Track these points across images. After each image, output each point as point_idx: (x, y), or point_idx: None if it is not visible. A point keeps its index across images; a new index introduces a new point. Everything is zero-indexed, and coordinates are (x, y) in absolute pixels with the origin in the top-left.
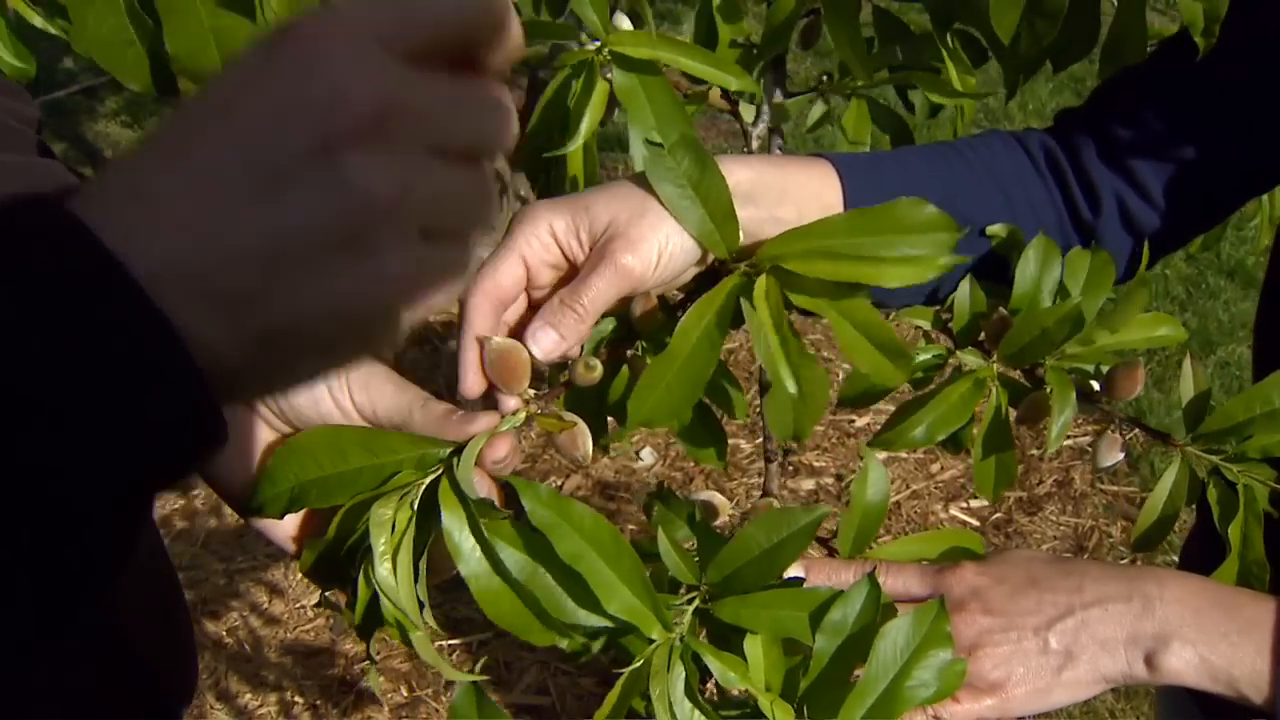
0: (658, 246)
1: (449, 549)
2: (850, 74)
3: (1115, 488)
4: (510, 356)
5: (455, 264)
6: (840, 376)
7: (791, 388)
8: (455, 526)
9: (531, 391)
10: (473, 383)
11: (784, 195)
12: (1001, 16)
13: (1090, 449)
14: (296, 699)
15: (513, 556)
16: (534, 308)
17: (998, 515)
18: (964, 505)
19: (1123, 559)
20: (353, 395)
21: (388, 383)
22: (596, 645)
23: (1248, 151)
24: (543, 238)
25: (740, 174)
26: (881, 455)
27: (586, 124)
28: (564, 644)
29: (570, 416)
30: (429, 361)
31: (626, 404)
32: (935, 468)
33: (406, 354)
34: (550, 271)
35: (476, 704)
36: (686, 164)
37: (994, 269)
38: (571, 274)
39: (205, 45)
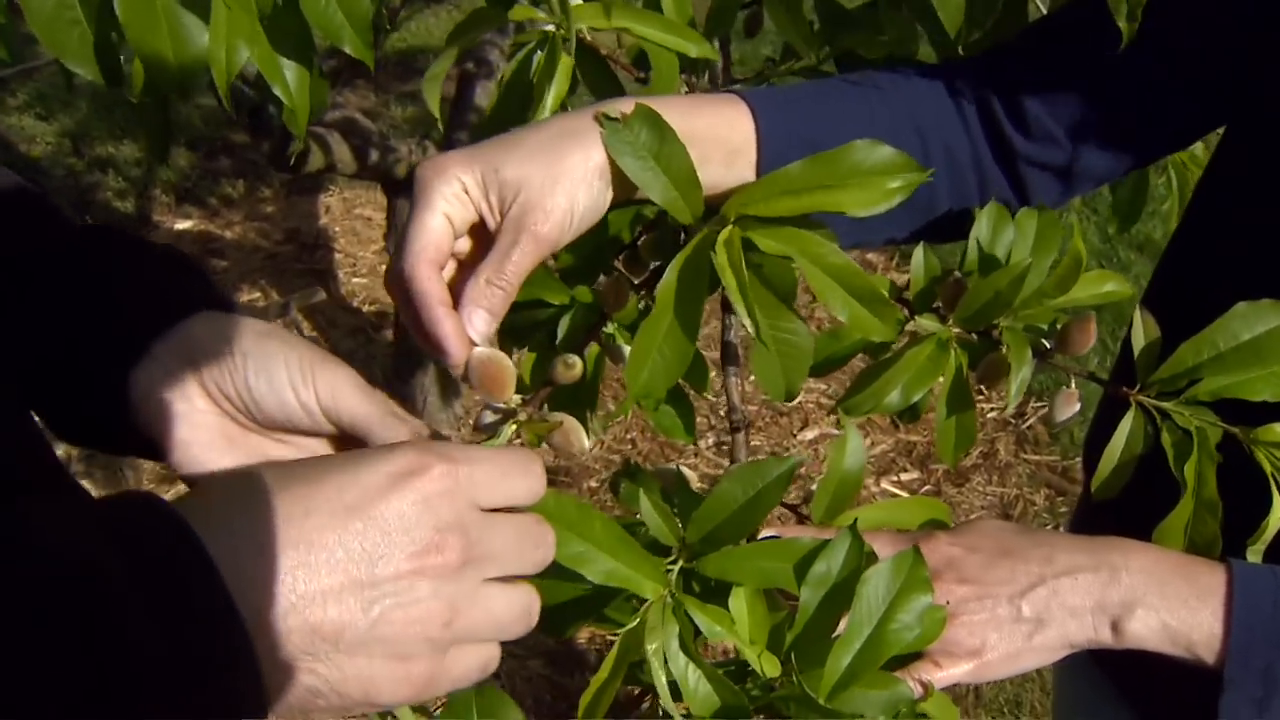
0: (570, 211)
1: None
2: (794, 55)
3: (1038, 457)
4: (494, 365)
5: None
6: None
7: (750, 327)
8: None
9: (519, 398)
10: (457, 348)
11: (689, 140)
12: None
13: (1016, 416)
14: None
15: None
16: (461, 265)
17: (927, 488)
18: (894, 479)
19: (1046, 525)
20: (318, 395)
21: (355, 390)
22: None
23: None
24: (460, 194)
25: None
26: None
27: (551, 100)
28: None
29: (558, 415)
30: (364, 353)
31: (624, 378)
32: (866, 443)
33: (341, 345)
34: (465, 226)
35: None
36: (645, 135)
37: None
38: (482, 229)
39: (157, 26)
